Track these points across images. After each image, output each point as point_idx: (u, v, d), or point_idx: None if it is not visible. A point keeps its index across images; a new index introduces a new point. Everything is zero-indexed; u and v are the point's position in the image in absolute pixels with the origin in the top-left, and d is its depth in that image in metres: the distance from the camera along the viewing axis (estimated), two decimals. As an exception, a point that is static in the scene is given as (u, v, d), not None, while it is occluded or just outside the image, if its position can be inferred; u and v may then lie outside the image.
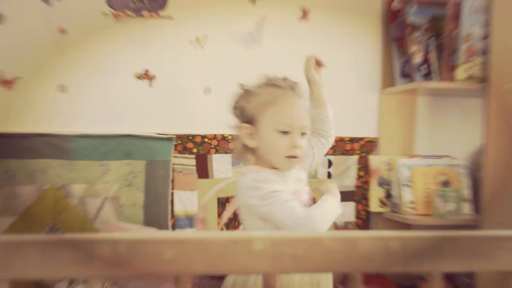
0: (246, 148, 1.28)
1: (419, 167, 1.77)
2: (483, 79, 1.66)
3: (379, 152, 1.88)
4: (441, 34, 1.73)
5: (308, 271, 0.58)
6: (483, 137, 1.68)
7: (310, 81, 1.33)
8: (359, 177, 1.86)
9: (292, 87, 1.26)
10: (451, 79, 1.71)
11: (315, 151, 1.38)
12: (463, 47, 1.68)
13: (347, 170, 1.86)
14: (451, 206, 1.71)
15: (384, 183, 1.83)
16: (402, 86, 1.80)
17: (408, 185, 1.75)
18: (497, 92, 1.62)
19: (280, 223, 1.11)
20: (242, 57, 1.84)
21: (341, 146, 1.85)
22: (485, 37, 1.66)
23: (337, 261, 0.52)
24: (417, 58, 1.73)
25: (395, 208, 1.80)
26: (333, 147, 1.62)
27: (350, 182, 1.86)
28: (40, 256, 0.48)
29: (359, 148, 1.88)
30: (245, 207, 1.23)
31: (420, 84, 1.71)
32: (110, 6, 1.70)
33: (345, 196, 1.86)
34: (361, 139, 1.88)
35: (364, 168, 1.87)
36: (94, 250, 0.49)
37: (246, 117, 1.26)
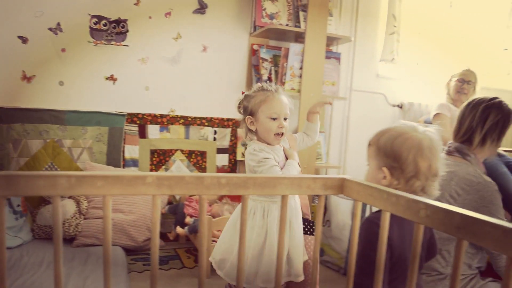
0: (250, 131, 1.79)
1: (264, 136, 3.18)
2: (299, 90, 3.07)
3: (242, 127, 3.26)
4: (278, 64, 3.11)
5: (177, 193, 0.97)
6: (298, 121, 3.11)
7: (313, 112, 1.97)
8: (231, 140, 3.24)
9: (276, 89, 1.78)
10: (283, 89, 3.08)
11: (301, 143, 1.98)
12: (289, 72, 3.06)
13: (225, 136, 3.23)
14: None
15: (244, 144, 3.22)
16: (256, 91, 3.16)
17: (257, 146, 3.16)
18: (305, 97, 3.05)
19: None
20: (168, 70, 3.07)
21: (222, 123, 3.22)
22: (301, 68, 3.06)
23: (191, 187, 0.95)
24: (265, 76, 3.10)
25: (250, 158, 3.20)
26: (216, 123, 2.97)
27: (227, 143, 3.24)
28: (32, 183, 0.83)
29: (232, 124, 3.25)
30: (247, 165, 1.73)
31: None
32: (92, 37, 2.89)
33: (224, 150, 3.23)
34: (233, 119, 3.25)
35: (234, 135, 3.24)
36: (57, 180, 0.85)
37: (248, 112, 1.77)
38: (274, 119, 1.73)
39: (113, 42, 2.90)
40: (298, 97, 2.98)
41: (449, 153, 1.96)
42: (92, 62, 2.89)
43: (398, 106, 3.65)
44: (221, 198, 3.01)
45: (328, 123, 3.50)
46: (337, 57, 3.25)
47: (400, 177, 1.17)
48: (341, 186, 1.09)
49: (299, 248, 1.77)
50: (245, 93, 1.85)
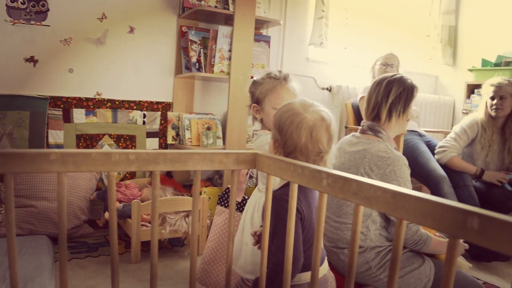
0: (256, 119, 1.80)
1: (194, 119, 3.15)
2: (228, 73, 3.06)
3: (172, 110, 3.23)
4: (207, 46, 3.09)
5: (83, 170, 0.94)
6: (228, 104, 3.11)
7: None
8: (161, 123, 3.20)
9: (285, 78, 1.72)
10: (212, 71, 3.04)
11: None
12: (218, 55, 3.05)
13: (155, 120, 3.18)
14: (210, 141, 3.14)
15: (175, 127, 3.19)
16: (185, 74, 3.11)
17: (188, 129, 3.14)
18: (235, 80, 3.05)
19: None
20: (94, 52, 2.96)
21: (151, 106, 3.16)
22: (230, 50, 3.06)
23: (98, 164, 0.94)
24: (193, 59, 3.08)
25: (181, 141, 3.18)
26: (145, 106, 2.92)
27: (156, 126, 3.19)
28: None
29: (161, 107, 3.21)
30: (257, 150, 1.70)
31: (195, 73, 3.01)
32: (9, 16, 2.72)
33: (154, 134, 3.18)
34: (163, 102, 3.20)
35: (164, 118, 3.20)
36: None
37: (254, 99, 1.75)
38: None
39: (32, 22, 2.76)
40: (227, 80, 2.97)
41: (362, 131, 2.05)
42: (10, 42, 2.73)
43: (327, 89, 3.74)
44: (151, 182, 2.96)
45: (259, 106, 3.53)
46: (266, 40, 3.27)
47: (280, 151, 1.23)
48: (254, 161, 1.11)
49: None
50: (253, 79, 1.81)
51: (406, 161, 1.93)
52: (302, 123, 1.20)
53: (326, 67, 3.83)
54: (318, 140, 1.21)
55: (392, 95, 2.02)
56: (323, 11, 3.62)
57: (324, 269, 1.32)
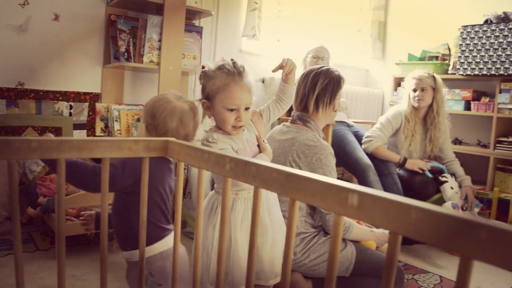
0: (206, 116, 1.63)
1: (124, 110, 3.09)
2: (158, 63, 3.01)
3: (101, 101, 3.14)
4: (136, 37, 3.03)
5: (38, 157, 1.13)
6: (158, 94, 3.06)
7: (289, 72, 1.73)
8: (89, 115, 3.11)
9: (240, 72, 1.53)
10: (141, 61, 2.98)
11: (271, 113, 1.77)
12: (147, 44, 2.99)
13: (82, 111, 3.08)
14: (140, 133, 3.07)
15: (104, 119, 3.11)
16: (114, 64, 3.04)
17: (117, 120, 3.07)
18: (165, 70, 3.00)
19: None
20: (15, 40, 2.81)
21: (78, 97, 3.06)
22: (160, 40, 3.01)
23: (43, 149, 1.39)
24: (122, 48, 3.00)
25: (110, 133, 3.10)
26: (72, 97, 2.82)
27: (84, 118, 3.09)
28: None
29: (89, 98, 3.11)
30: None
31: (124, 63, 2.94)
32: None
33: (82, 126, 3.08)
34: (91, 93, 3.11)
35: (92, 109, 3.11)
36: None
37: (205, 95, 1.57)
38: (232, 110, 1.53)
39: None
40: (157, 70, 2.93)
41: (292, 121, 2.10)
42: None
43: (260, 81, 3.77)
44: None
45: (191, 97, 3.51)
46: (198, 31, 3.25)
47: (153, 134, 1.43)
48: (165, 148, 1.10)
49: (275, 248, 1.60)
50: (204, 69, 1.60)
51: (332, 151, 1.99)
52: (174, 110, 1.42)
53: (260, 59, 3.86)
54: (186, 125, 1.45)
55: (318, 86, 2.08)
56: (256, 3, 3.64)
57: (163, 245, 1.40)
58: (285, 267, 0.78)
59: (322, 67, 2.13)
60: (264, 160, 1.49)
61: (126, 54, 2.97)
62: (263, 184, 0.79)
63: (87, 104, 3.08)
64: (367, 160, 2.98)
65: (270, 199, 1.64)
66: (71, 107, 3.02)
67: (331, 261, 0.69)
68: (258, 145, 1.68)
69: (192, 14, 3.24)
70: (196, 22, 3.43)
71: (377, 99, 4.54)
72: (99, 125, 3.08)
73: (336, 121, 3.24)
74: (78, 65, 3.03)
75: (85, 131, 3.09)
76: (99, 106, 3.08)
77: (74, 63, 3.02)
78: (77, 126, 3.05)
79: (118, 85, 3.19)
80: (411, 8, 4.52)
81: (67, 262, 2.33)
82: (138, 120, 3.09)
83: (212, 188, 1.72)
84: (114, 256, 2.43)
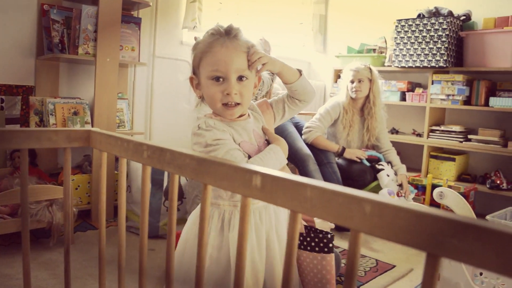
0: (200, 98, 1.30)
1: (59, 103, 2.99)
2: (94, 55, 2.94)
3: (35, 94, 3.02)
4: (71, 27, 2.93)
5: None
6: (95, 87, 2.98)
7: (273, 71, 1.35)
8: (22, 109, 2.99)
9: (228, 31, 1.21)
10: (76, 53, 2.89)
11: (287, 109, 1.43)
12: (82, 35, 2.90)
13: (15, 105, 2.96)
14: (77, 126, 3.00)
15: (38, 113, 3.00)
16: (48, 55, 2.93)
17: (52, 114, 2.97)
18: (101, 62, 2.92)
19: None
20: None
21: (10, 90, 2.93)
22: (95, 31, 2.92)
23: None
24: (56, 40, 2.90)
25: (45, 127, 3.00)
26: (3, 90, 2.70)
27: (17, 112, 2.97)
28: None
29: (22, 91, 2.99)
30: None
31: (58, 55, 2.83)
32: None
33: (15, 120, 2.96)
34: (24, 85, 2.99)
35: (25, 103, 2.99)
36: None
37: (193, 69, 1.29)
38: (217, 79, 1.20)
39: None
40: (94, 62, 2.86)
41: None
42: None
43: (201, 73, 3.75)
44: (13, 172, 2.77)
45: (131, 90, 3.45)
46: (137, 22, 3.19)
47: None
48: (88, 138, 1.09)
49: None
50: (196, 39, 1.32)
51: None
52: None
53: (201, 51, 3.84)
54: None
55: None
56: (196, -6, 3.61)
57: None
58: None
59: None
60: (277, 153, 1.23)
61: (60, 45, 2.88)
62: (178, 170, 0.80)
63: (20, 97, 2.96)
64: (306, 150, 3.04)
65: (279, 215, 1.33)
66: (2, 100, 2.90)
67: (240, 247, 0.71)
68: (267, 140, 1.35)
69: (130, 5, 3.18)
70: (134, 13, 3.37)
71: (319, 91, 4.63)
72: (34, 119, 2.96)
73: (277, 113, 3.28)
74: (9, 57, 2.90)
75: (19, 125, 2.97)
76: (32, 99, 2.97)
77: (5, 55, 2.89)
78: (10, 121, 2.93)
79: (53, 78, 3.09)
80: (350, 2, 4.63)
81: (0, 262, 2.25)
82: (75, 113, 3.00)
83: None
84: (50, 253, 2.37)
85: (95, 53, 2.86)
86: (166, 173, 2.68)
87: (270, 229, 1.27)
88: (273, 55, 3.49)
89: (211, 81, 1.20)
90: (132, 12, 3.33)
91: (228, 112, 1.23)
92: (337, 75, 4.36)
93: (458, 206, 1.53)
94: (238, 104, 1.22)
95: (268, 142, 1.33)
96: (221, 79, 1.20)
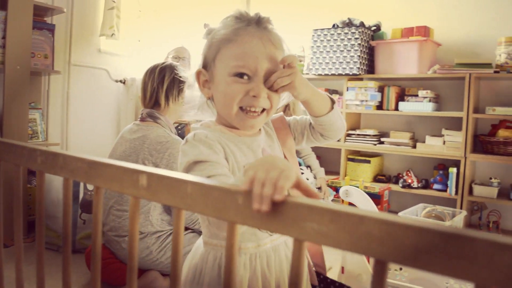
0: (209, 99, 1.02)
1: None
2: (3, 62, 2.79)
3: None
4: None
5: None
6: (3, 97, 2.83)
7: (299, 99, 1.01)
8: None
9: (258, 19, 0.96)
10: None
11: (305, 139, 1.11)
12: (-10, 43, 2.77)
13: None
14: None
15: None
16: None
17: (-44, 125, 2.79)
18: (11, 70, 2.77)
19: None
20: None
21: None
22: (4, 37, 2.79)
23: None
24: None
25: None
26: None
27: None
28: None
29: None
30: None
31: None
32: None
33: None
34: None
35: None
36: None
37: (203, 61, 1.02)
38: (241, 76, 0.92)
39: None
40: (2, 70, 2.73)
41: (142, 119, 2.11)
42: None
43: (121, 81, 3.69)
44: None
45: (45, 99, 3.32)
46: (50, 28, 3.09)
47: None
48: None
49: None
50: (208, 27, 1.03)
51: None
52: None
53: (120, 59, 3.78)
54: None
55: (166, 80, 2.13)
56: (114, 1, 3.55)
57: None
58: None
59: (165, 62, 2.20)
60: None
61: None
62: (71, 174, 0.79)
63: None
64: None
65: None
66: None
67: (175, 255, 0.71)
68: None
69: (42, 11, 3.07)
70: (48, 20, 3.25)
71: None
72: None
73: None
74: None
75: None
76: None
77: None
78: None
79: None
80: (270, 13, 4.74)
81: None
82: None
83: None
84: None
85: (3, 60, 2.73)
86: (82, 184, 2.60)
87: (280, 279, 0.97)
88: (193, 64, 3.53)
89: (232, 77, 0.92)
90: (45, 18, 3.21)
91: (249, 122, 0.94)
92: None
93: (362, 203, 1.64)
94: (264, 111, 0.95)
95: None
96: (245, 77, 0.92)
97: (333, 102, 1.08)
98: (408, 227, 0.45)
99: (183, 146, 0.92)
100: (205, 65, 1.00)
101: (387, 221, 0.46)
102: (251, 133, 1.00)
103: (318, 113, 1.04)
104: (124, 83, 3.68)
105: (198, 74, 1.01)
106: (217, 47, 0.95)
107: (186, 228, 2.10)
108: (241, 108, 0.93)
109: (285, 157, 1.08)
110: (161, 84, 2.11)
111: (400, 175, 3.82)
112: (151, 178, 0.65)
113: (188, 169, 0.88)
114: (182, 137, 3.00)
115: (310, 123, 1.10)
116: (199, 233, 2.08)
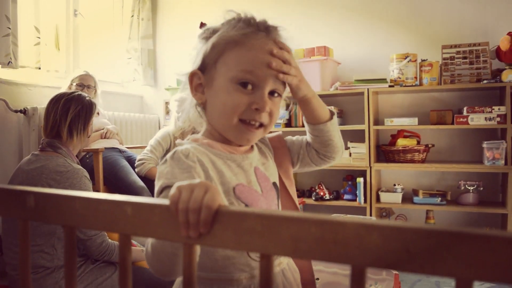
0: (198, 105, 0.92)
1: None
2: None
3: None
4: None
5: None
6: None
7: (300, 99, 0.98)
8: None
9: (267, 28, 0.88)
10: None
11: (301, 159, 1.06)
12: None
13: None
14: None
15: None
16: None
17: None
18: None
19: None
20: None
21: None
22: None
23: None
24: None
25: None
26: None
27: None
28: None
29: None
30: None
31: None
32: None
33: None
34: None
35: None
36: None
37: (199, 62, 0.91)
38: (243, 85, 0.84)
39: None
40: None
41: (42, 149, 2.01)
42: None
43: (21, 111, 3.50)
44: None
45: None
46: None
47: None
48: None
49: None
50: (205, 26, 0.93)
51: (86, 173, 1.97)
52: None
53: (20, 88, 3.59)
54: None
55: (71, 113, 2.04)
56: (9, 28, 3.38)
57: None
58: None
59: (73, 92, 2.11)
60: None
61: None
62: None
63: None
64: (140, 183, 3.02)
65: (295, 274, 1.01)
66: None
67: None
68: (274, 183, 0.97)
69: None
70: None
71: (153, 124, 4.64)
72: None
73: (107, 148, 3.21)
74: None
75: None
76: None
77: None
78: None
79: None
80: (176, 36, 4.78)
81: None
82: None
83: None
84: None
85: None
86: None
87: None
88: (99, 92, 3.42)
89: (235, 85, 0.84)
90: None
91: (246, 135, 0.87)
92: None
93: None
94: (262, 126, 0.88)
95: (276, 188, 0.97)
96: (249, 86, 0.84)
97: (332, 113, 1.04)
98: (286, 219, 0.48)
99: (160, 166, 0.84)
100: (203, 68, 0.90)
101: (268, 216, 0.49)
102: (243, 150, 0.93)
103: (316, 119, 1.00)
104: (24, 113, 3.49)
105: (192, 75, 0.91)
106: (222, 48, 0.86)
107: (97, 260, 2.01)
108: (240, 120, 0.86)
109: (280, 178, 1.01)
110: (64, 117, 2.01)
111: (313, 189, 3.95)
112: (38, 198, 0.63)
113: (159, 194, 0.80)
114: (91, 166, 2.92)
115: (307, 143, 1.05)
116: (110, 263, 2.01)
